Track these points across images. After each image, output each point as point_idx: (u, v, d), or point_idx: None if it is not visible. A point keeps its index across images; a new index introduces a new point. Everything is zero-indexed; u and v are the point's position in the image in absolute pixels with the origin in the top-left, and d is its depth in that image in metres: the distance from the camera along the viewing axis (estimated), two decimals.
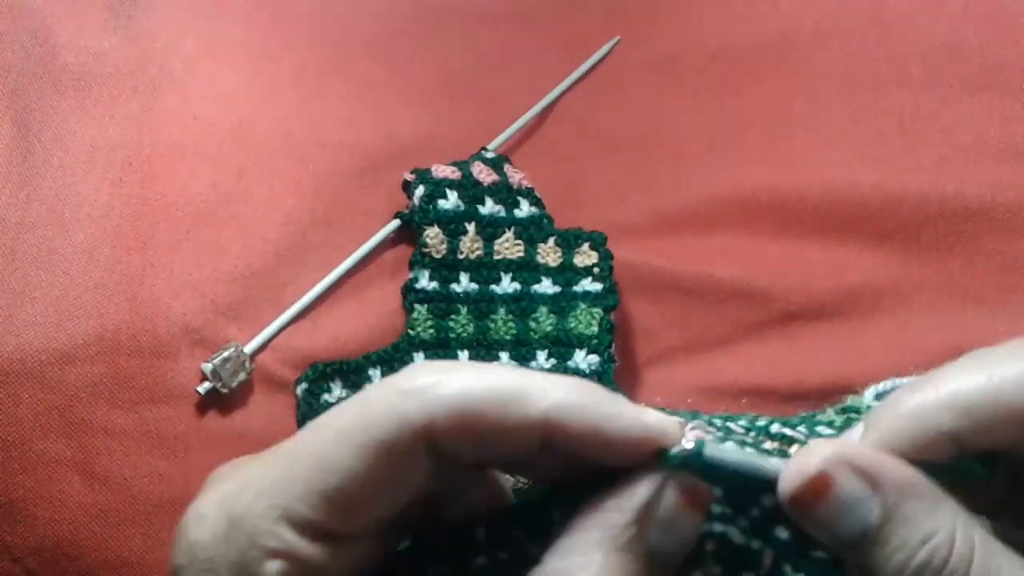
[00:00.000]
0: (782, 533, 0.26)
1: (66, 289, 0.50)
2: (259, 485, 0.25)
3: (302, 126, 0.58)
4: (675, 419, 0.26)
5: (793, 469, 0.24)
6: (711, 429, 0.27)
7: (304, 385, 0.50)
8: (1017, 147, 0.55)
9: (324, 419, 0.25)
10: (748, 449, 0.27)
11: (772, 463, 0.25)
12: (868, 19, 0.61)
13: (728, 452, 0.25)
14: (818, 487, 0.24)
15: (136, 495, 0.47)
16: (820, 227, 0.55)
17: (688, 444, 0.25)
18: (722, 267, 0.54)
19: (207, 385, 0.49)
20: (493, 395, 0.24)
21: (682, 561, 0.25)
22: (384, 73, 0.62)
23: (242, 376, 0.49)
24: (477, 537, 0.28)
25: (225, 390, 0.49)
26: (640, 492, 0.25)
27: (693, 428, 0.26)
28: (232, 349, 0.49)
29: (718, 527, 0.26)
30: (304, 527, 0.24)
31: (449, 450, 0.25)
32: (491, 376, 0.25)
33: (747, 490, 0.26)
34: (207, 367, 0.49)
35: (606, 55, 0.64)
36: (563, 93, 0.63)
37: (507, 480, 0.30)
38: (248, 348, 0.50)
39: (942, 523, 0.24)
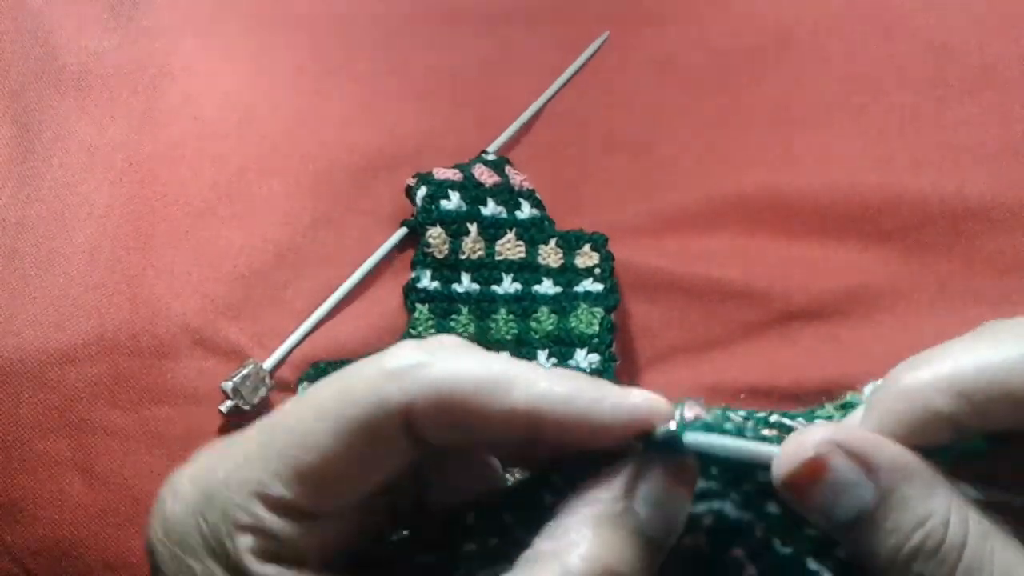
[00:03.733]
0: (773, 508, 0.26)
1: (66, 289, 0.50)
2: (235, 460, 0.25)
3: (302, 126, 0.58)
4: (662, 399, 0.25)
5: (788, 452, 0.24)
6: (703, 411, 0.27)
7: (306, 384, 0.50)
8: (1017, 147, 0.55)
9: (305, 395, 0.25)
10: (745, 435, 0.27)
11: (760, 447, 0.25)
12: (868, 19, 0.61)
13: (712, 436, 0.25)
14: (813, 470, 0.24)
15: (136, 495, 0.47)
16: (820, 227, 0.55)
17: (672, 425, 0.25)
18: (722, 267, 0.54)
19: (229, 404, 0.48)
20: (477, 383, 0.24)
21: (674, 544, 0.25)
22: (384, 73, 0.62)
23: (263, 392, 0.49)
24: (466, 523, 0.27)
25: (247, 407, 0.48)
26: (628, 468, 0.25)
27: (690, 408, 0.26)
28: (251, 366, 0.49)
29: (716, 504, 0.27)
30: (276, 503, 0.24)
31: (430, 434, 0.25)
32: (476, 363, 0.25)
33: (743, 467, 0.26)
34: (227, 386, 0.48)
35: (596, 51, 0.64)
36: (557, 92, 0.63)
37: (498, 464, 0.29)
38: (267, 364, 0.50)
39: (936, 507, 0.24)
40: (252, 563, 0.24)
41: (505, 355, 0.26)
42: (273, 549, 0.24)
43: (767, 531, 0.26)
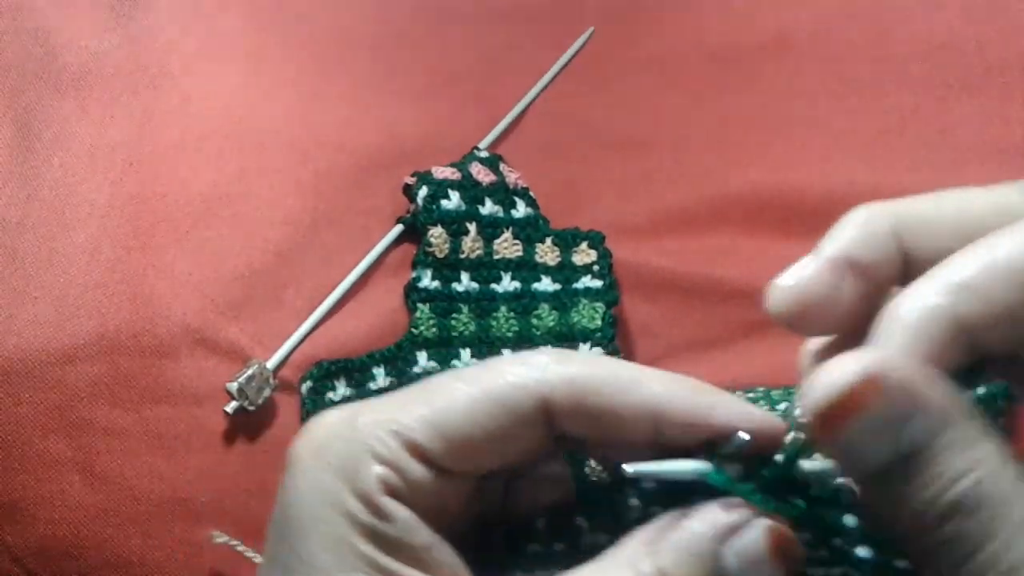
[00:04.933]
0: (863, 552, 0.24)
1: (67, 289, 0.50)
2: (386, 406, 0.27)
3: (302, 126, 0.58)
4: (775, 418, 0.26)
5: (824, 381, 0.21)
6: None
7: (309, 383, 0.50)
8: (1017, 147, 0.55)
9: (454, 373, 0.28)
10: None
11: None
12: (868, 19, 0.61)
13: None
14: (853, 401, 0.20)
15: (136, 495, 0.47)
16: (820, 227, 0.54)
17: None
18: (722, 267, 0.54)
19: (234, 404, 0.48)
20: (607, 377, 0.26)
21: None
22: (384, 73, 0.62)
23: (267, 392, 0.49)
24: (536, 526, 0.29)
25: (252, 408, 0.48)
26: (726, 516, 0.24)
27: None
28: (255, 366, 0.49)
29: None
30: (413, 447, 0.26)
31: (565, 423, 0.27)
32: (609, 362, 0.27)
33: (826, 523, 0.25)
34: (232, 387, 0.48)
35: (582, 47, 0.65)
36: (544, 88, 0.63)
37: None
38: (270, 364, 0.50)
39: (980, 459, 0.20)
40: (378, 492, 0.26)
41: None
42: (398, 488, 0.26)
43: None
